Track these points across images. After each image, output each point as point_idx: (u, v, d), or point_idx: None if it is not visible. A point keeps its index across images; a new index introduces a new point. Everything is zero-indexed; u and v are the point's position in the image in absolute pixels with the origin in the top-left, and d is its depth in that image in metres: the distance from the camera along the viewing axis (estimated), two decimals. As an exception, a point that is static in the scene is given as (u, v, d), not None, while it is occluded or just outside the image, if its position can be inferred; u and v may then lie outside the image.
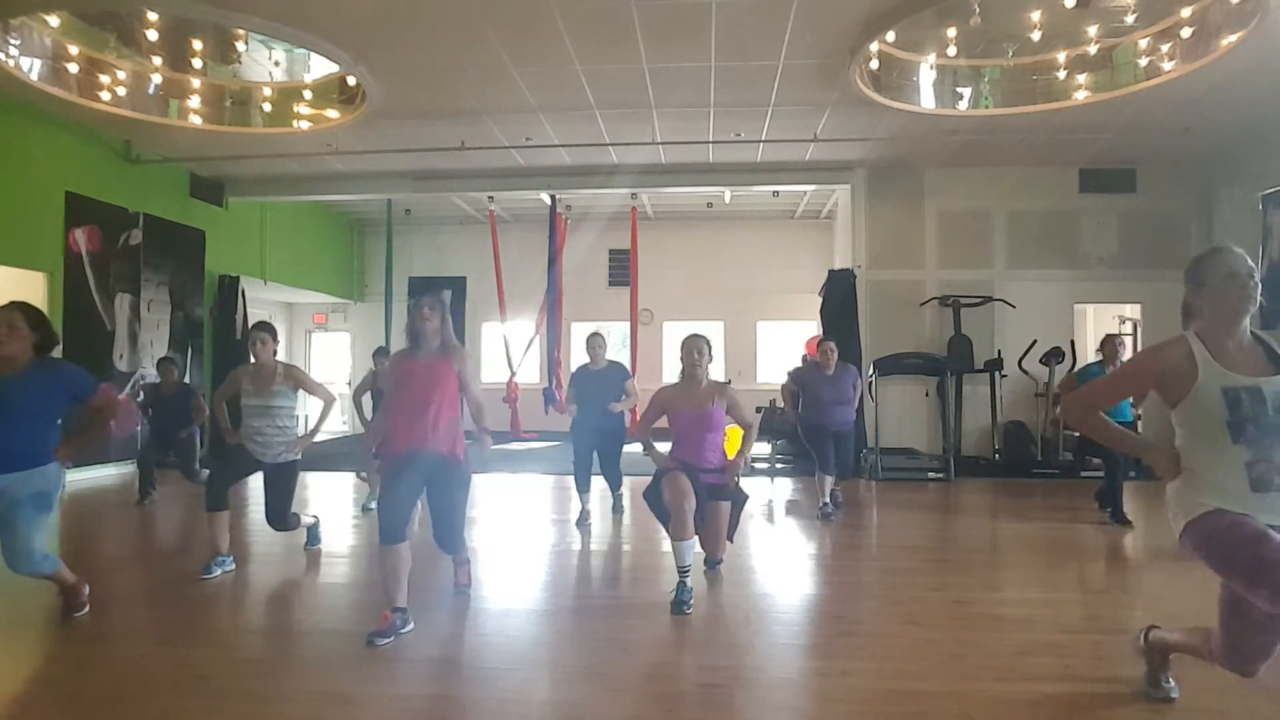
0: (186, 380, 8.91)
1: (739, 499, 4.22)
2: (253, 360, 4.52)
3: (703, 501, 4.01)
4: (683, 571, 3.85)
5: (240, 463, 4.54)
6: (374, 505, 6.47)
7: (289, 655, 3.24)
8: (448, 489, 3.59)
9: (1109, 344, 5.98)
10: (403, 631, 3.36)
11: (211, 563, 4.37)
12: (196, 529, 6.04)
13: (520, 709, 2.67)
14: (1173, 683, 2.66)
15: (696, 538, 4.01)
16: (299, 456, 4.63)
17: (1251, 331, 2.22)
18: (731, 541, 4.31)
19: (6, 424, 3.25)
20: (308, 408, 5.79)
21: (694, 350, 4.11)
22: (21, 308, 3.39)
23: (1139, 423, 6.38)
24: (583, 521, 5.93)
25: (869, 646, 3.24)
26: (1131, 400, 5.40)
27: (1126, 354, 6.04)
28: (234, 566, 4.49)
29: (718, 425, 4.10)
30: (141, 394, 8.04)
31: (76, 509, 6.54)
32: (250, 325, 4.69)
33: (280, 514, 4.61)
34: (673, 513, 3.91)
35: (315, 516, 5.12)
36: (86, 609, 3.59)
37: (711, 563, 4.38)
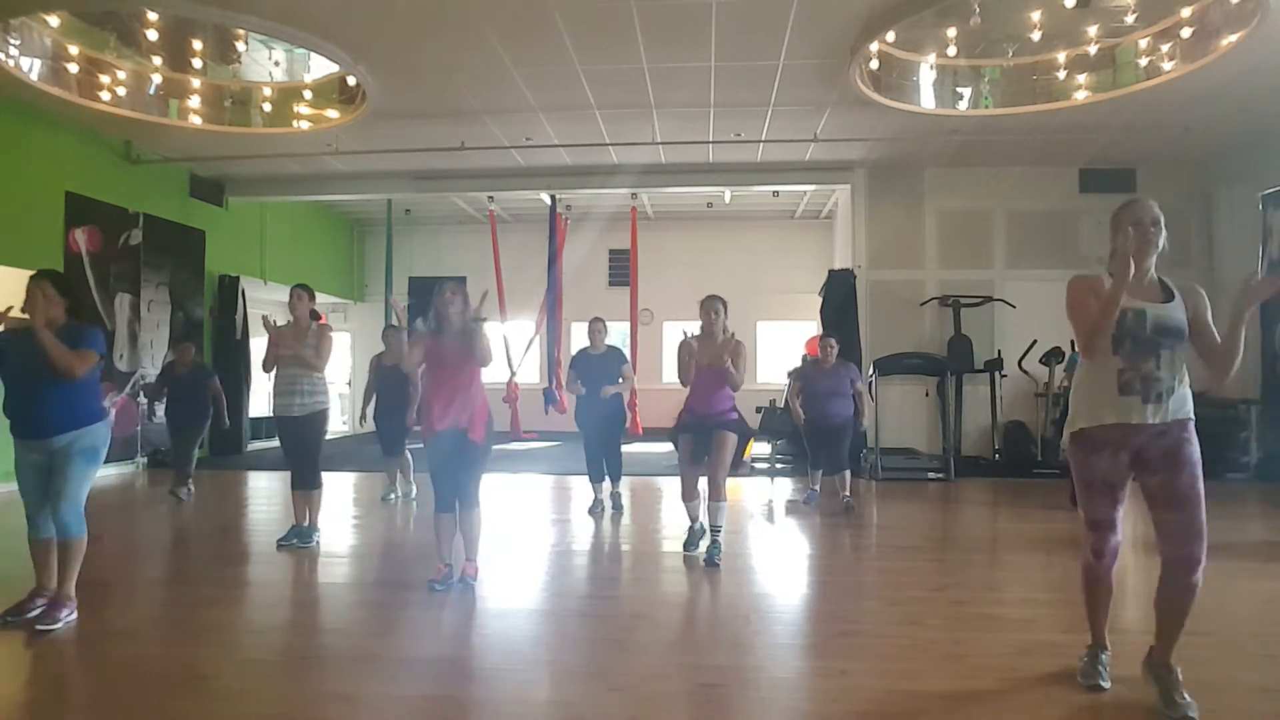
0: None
1: (745, 434, 4.72)
2: (290, 317, 5.01)
3: (711, 430, 4.57)
4: (694, 520, 4.71)
5: (288, 438, 5.03)
6: (392, 497, 6.69)
7: (289, 655, 3.23)
8: (466, 463, 4.00)
9: None
10: (450, 581, 3.97)
11: (290, 532, 5.03)
12: (204, 524, 6.05)
13: (520, 709, 2.67)
14: (1105, 672, 2.79)
15: (699, 500, 4.72)
16: (326, 406, 5.08)
17: (1160, 276, 2.63)
18: (741, 471, 4.79)
19: (54, 389, 3.41)
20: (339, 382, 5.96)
21: (711, 310, 4.64)
22: (49, 275, 3.59)
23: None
24: (595, 509, 6.18)
25: (869, 646, 3.23)
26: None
27: None
28: (309, 541, 5.03)
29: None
30: (157, 378, 7.96)
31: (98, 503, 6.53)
32: (292, 286, 5.14)
33: (309, 466, 5.02)
34: (681, 481, 4.73)
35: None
36: (57, 627, 3.36)
37: (711, 558, 4.51)
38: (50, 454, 3.47)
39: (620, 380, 6.06)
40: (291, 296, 5.03)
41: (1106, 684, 2.74)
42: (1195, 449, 2.56)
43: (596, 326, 6.22)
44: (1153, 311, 2.52)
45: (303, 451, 5.04)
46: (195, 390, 6.97)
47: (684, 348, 4.60)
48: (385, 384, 6.63)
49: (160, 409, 7.34)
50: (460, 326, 3.99)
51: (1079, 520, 2.84)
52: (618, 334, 13.29)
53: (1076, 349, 2.82)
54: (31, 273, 3.59)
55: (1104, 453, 2.60)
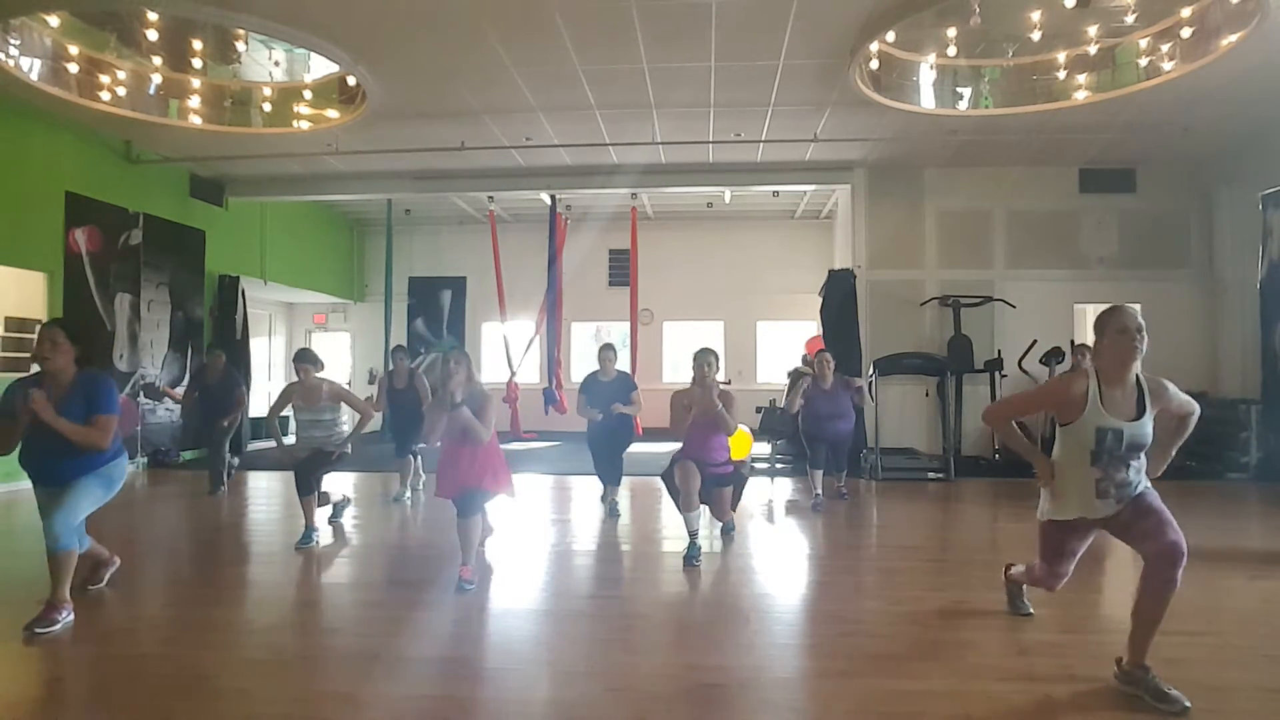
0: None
1: (740, 480, 5.04)
2: (298, 379, 5.28)
3: (710, 487, 4.85)
4: (692, 535, 4.73)
5: (307, 456, 5.28)
6: (407, 498, 6.90)
7: (289, 655, 3.23)
8: (473, 497, 4.21)
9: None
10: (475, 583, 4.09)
11: (308, 533, 5.14)
12: (204, 524, 6.05)
13: (520, 709, 2.67)
14: (1029, 604, 3.62)
15: (701, 508, 4.82)
16: (345, 436, 5.42)
17: (1137, 376, 2.82)
18: (734, 511, 5.20)
19: (71, 445, 3.42)
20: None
21: (704, 364, 4.81)
22: (61, 324, 3.61)
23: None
24: (606, 496, 6.40)
25: (869, 646, 3.24)
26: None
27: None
28: (308, 541, 5.10)
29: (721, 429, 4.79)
30: (188, 385, 8.28)
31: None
32: (294, 354, 5.51)
33: (306, 478, 5.20)
34: (682, 492, 4.76)
35: (345, 497, 5.93)
36: (55, 629, 3.37)
37: (726, 529, 4.99)
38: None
39: (630, 405, 6.18)
40: (299, 371, 5.25)
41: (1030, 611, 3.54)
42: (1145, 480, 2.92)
43: (607, 355, 6.29)
44: (1129, 431, 2.78)
45: (317, 465, 5.27)
46: (224, 396, 7.40)
47: (678, 399, 4.86)
48: (397, 405, 6.88)
49: (174, 411, 7.69)
50: (464, 398, 4.11)
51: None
52: (617, 334, 13.34)
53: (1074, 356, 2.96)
54: (43, 321, 3.68)
55: (1076, 534, 3.03)
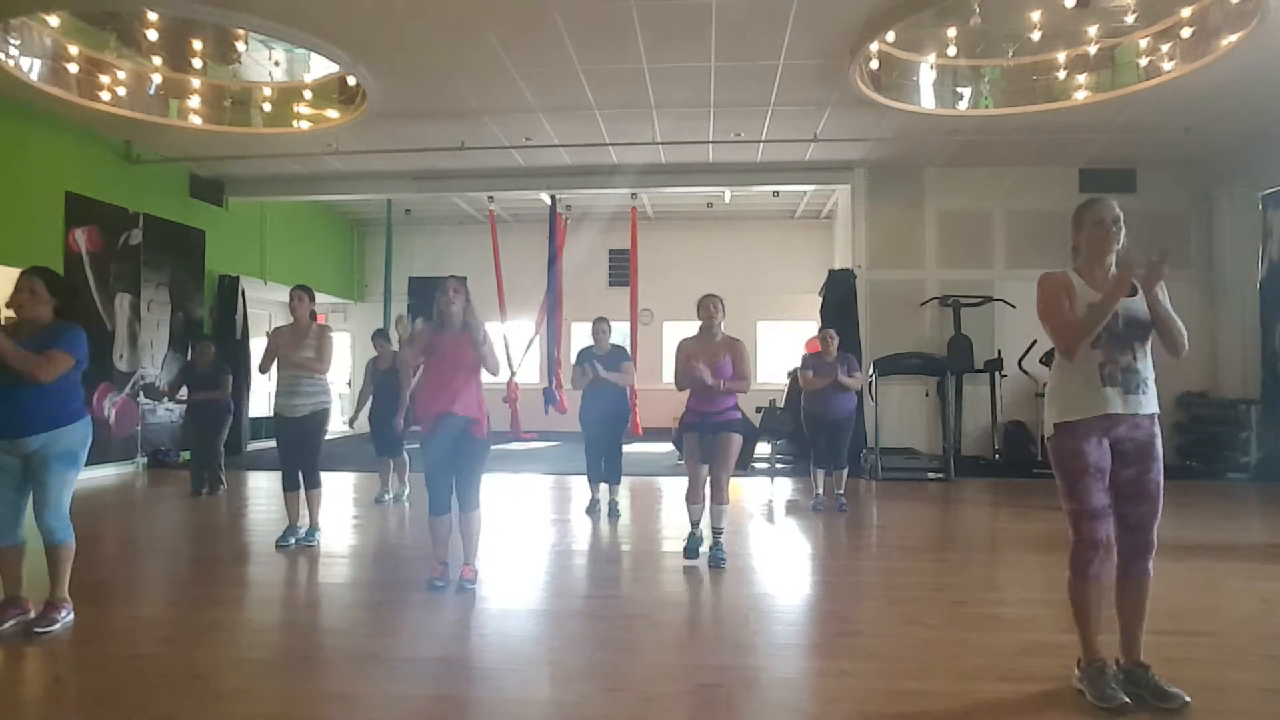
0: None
1: (749, 433, 4.74)
2: (292, 315, 5.08)
3: (716, 432, 4.58)
4: (694, 525, 4.68)
5: (287, 438, 5.06)
6: (386, 498, 6.81)
7: (289, 655, 3.23)
8: (469, 459, 4.05)
9: None
10: (449, 577, 4.03)
11: (286, 533, 5.07)
12: (204, 524, 6.05)
13: (520, 709, 2.67)
14: (1118, 688, 2.63)
15: (703, 506, 4.67)
16: (327, 405, 5.15)
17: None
18: (745, 471, 4.82)
19: (31, 387, 3.29)
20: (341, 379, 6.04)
21: (710, 307, 4.70)
22: (41, 273, 3.50)
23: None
24: (592, 509, 6.26)
25: (869, 646, 3.24)
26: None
27: None
28: (311, 539, 5.09)
29: (729, 376, 4.61)
30: (177, 374, 8.22)
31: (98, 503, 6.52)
32: (293, 287, 5.26)
33: (310, 465, 5.08)
34: (689, 480, 4.66)
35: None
36: (55, 629, 3.36)
37: (716, 563, 4.56)
38: (25, 456, 3.36)
39: (620, 373, 6.13)
40: (292, 298, 5.11)
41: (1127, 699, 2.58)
42: (1160, 444, 2.74)
43: (601, 327, 6.29)
44: (1122, 307, 2.65)
45: (303, 451, 5.08)
46: (211, 385, 7.26)
47: (681, 350, 4.71)
48: (380, 387, 6.73)
49: (174, 411, 7.54)
50: (461, 324, 4.06)
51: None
52: (618, 334, 13.33)
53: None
54: (23, 269, 3.49)
55: (1092, 440, 2.70)
